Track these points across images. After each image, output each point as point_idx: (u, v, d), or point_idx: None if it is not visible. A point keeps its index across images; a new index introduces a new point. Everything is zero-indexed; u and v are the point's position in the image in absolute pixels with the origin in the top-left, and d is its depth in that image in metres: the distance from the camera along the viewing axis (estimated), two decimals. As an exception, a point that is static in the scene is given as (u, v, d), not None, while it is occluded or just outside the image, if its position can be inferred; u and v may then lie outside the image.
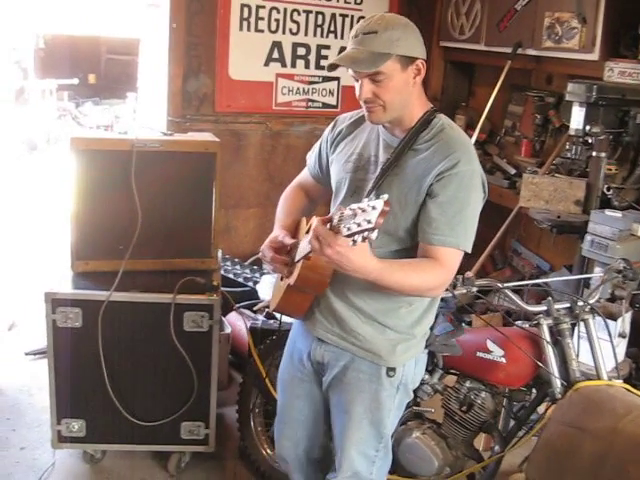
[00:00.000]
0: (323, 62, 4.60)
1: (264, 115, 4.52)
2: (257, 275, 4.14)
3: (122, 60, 12.96)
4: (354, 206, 1.52)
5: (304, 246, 1.83)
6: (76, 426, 2.78)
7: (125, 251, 2.72)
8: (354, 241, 1.52)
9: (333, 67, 1.86)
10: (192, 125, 4.23)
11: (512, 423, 2.38)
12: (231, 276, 4.15)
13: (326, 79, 4.64)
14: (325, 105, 4.69)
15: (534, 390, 2.29)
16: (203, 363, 2.73)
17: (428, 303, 2.00)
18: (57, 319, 2.64)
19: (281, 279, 2.09)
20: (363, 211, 1.48)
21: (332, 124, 2.12)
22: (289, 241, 1.99)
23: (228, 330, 3.64)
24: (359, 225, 1.48)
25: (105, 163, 2.72)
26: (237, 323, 3.80)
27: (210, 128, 4.20)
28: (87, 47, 12.79)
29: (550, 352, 2.18)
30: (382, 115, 1.85)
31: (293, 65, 4.53)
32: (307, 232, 1.94)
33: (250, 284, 4.07)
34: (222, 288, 3.92)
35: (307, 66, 4.58)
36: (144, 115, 5.03)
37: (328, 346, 2.02)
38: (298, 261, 1.88)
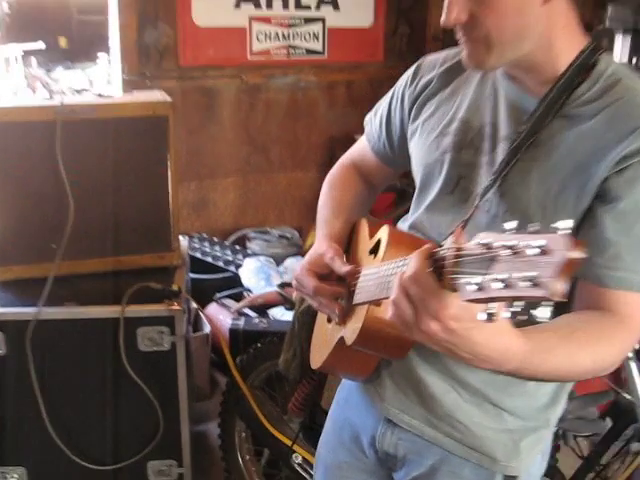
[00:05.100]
0: (304, 1, 3.94)
1: (238, 67, 3.88)
2: (240, 257, 3.53)
3: (94, 21, 12.22)
4: (491, 238, 0.72)
5: (372, 281, 1.09)
6: (15, 475, 2.20)
7: (57, 251, 2.10)
8: (490, 315, 0.72)
9: None
10: (153, 83, 3.58)
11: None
12: (209, 260, 3.55)
13: (309, 21, 3.99)
14: (309, 52, 4.04)
15: (608, 420, 1.69)
16: (167, 390, 2.13)
17: None
18: (-27, 346, 2.04)
19: (328, 320, 1.34)
20: (517, 253, 0.68)
21: (412, 71, 1.32)
22: (343, 268, 1.22)
23: (207, 330, 3.04)
24: (511, 286, 0.68)
25: (23, 139, 2.08)
26: (218, 317, 3.21)
27: (175, 86, 3.58)
28: (56, 9, 12.04)
29: (634, 371, 1.58)
30: (485, 55, 1.06)
31: (269, 6, 3.88)
32: (373, 252, 1.20)
33: (232, 268, 3.46)
34: (199, 275, 3.35)
35: (285, 6, 3.92)
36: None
37: (406, 434, 1.27)
38: (361, 304, 1.15)
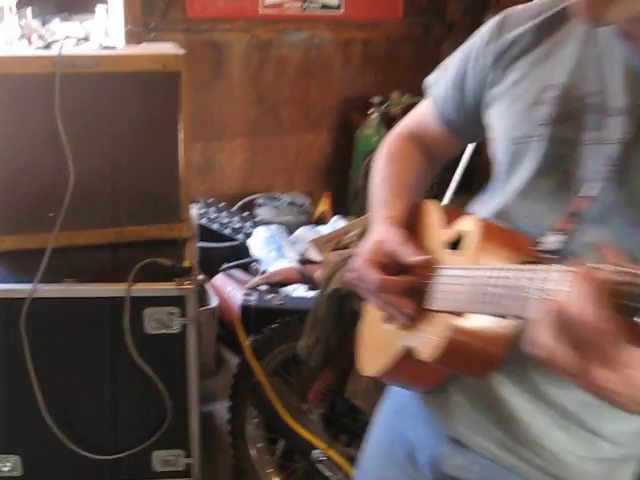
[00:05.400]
0: (320, -51, 3.67)
1: (249, 21, 3.61)
2: (248, 225, 3.31)
3: (93, -31, 11.75)
4: None
5: (461, 287, 0.87)
6: (8, 464, 2.00)
7: (56, 220, 1.88)
8: None
9: None
10: (158, 36, 3.33)
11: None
12: (215, 227, 3.32)
13: (325, -28, 3.71)
14: (325, 6, 3.77)
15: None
16: (176, 376, 1.93)
17: None
18: (-39, 326, 1.83)
19: (386, 319, 1.08)
20: None
21: (494, 25, 1.07)
22: (415, 257, 0.99)
23: (214, 303, 2.82)
24: None
25: (18, 94, 1.84)
26: (226, 289, 3.01)
27: (181, 39, 3.33)
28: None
29: None
30: (609, 4, 0.82)
31: (283, -46, 3.60)
32: (453, 246, 0.96)
33: (240, 237, 3.24)
34: (204, 243, 3.13)
35: (301, -46, 3.64)
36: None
37: (476, 457, 1.06)
38: (441, 311, 0.93)
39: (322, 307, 1.79)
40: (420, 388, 1.11)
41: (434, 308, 0.94)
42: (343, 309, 1.80)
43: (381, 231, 1.07)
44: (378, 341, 1.13)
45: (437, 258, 0.98)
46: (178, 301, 1.85)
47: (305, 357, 1.89)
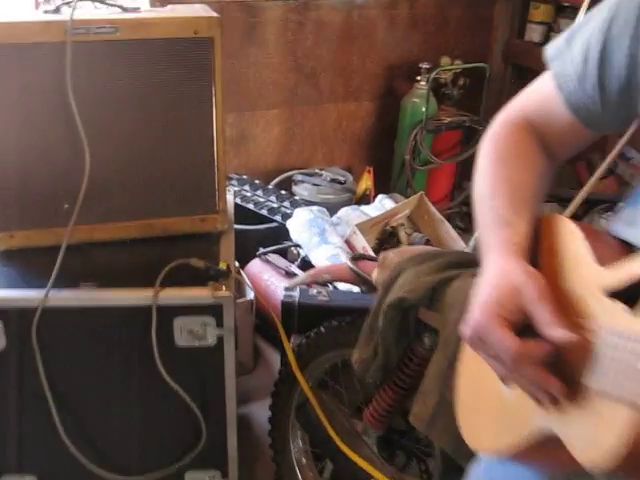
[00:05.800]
0: None
1: (285, -21, 3.29)
2: (287, 205, 3.03)
3: None
4: None
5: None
6: (24, 484, 1.80)
7: (72, 212, 1.63)
8: None
9: None
10: (186, -2, 3.04)
11: None
12: (251, 206, 3.05)
13: None
14: (368, -38, 3.43)
15: None
16: (211, 393, 1.68)
17: None
18: (-35, 337, 1.59)
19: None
20: None
21: None
22: (564, 335, 0.68)
23: (250, 295, 2.58)
24: None
25: (23, 67, 1.57)
26: (263, 276, 2.75)
27: (210, 1, 3.02)
28: None
29: None
30: None
31: None
32: (623, 299, 0.67)
33: (277, 218, 2.97)
34: (239, 225, 2.87)
35: None
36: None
37: None
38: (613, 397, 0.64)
39: (382, 318, 1.52)
40: (556, 474, 0.83)
41: (598, 388, 0.65)
42: (407, 319, 1.53)
43: (509, 269, 0.77)
44: (495, 409, 0.84)
45: (593, 311, 0.69)
46: (213, 310, 1.59)
47: (360, 372, 1.62)
